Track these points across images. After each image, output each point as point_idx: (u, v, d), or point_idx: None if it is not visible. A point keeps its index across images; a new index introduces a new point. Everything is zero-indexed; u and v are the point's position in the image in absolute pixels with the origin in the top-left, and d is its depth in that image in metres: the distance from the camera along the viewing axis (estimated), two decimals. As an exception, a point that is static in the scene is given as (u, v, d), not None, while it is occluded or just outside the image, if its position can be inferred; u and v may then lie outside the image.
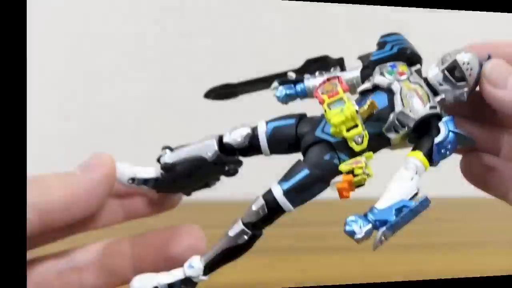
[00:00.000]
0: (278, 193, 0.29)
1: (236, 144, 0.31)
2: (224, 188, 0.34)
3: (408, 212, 0.27)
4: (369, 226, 0.27)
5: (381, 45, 0.32)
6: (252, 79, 0.35)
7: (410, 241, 0.61)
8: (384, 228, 0.27)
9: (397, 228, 0.27)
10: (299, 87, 0.33)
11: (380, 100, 0.30)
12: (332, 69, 0.33)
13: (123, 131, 0.76)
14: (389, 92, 0.30)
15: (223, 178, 0.33)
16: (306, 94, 0.33)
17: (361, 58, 0.33)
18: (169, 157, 0.32)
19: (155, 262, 0.31)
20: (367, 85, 0.31)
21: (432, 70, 0.31)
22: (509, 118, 0.33)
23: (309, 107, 0.32)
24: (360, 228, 0.27)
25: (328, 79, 0.31)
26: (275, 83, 0.34)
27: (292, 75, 0.33)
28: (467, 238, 0.65)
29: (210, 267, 0.30)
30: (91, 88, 0.76)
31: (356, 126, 0.29)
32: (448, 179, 0.60)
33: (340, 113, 0.29)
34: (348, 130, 0.29)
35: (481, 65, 0.31)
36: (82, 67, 0.76)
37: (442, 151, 0.29)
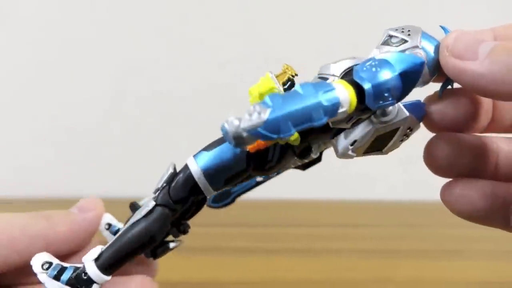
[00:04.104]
0: (190, 160, 0.28)
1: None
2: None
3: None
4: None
5: None
6: None
7: (375, 246, 0.60)
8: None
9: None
10: None
11: None
12: None
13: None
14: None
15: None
16: None
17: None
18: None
19: None
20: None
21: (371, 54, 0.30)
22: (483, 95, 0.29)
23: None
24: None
25: None
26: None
27: None
28: (439, 245, 0.62)
29: (107, 262, 0.29)
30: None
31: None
32: (418, 181, 0.60)
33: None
34: None
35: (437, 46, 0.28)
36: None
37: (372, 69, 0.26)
